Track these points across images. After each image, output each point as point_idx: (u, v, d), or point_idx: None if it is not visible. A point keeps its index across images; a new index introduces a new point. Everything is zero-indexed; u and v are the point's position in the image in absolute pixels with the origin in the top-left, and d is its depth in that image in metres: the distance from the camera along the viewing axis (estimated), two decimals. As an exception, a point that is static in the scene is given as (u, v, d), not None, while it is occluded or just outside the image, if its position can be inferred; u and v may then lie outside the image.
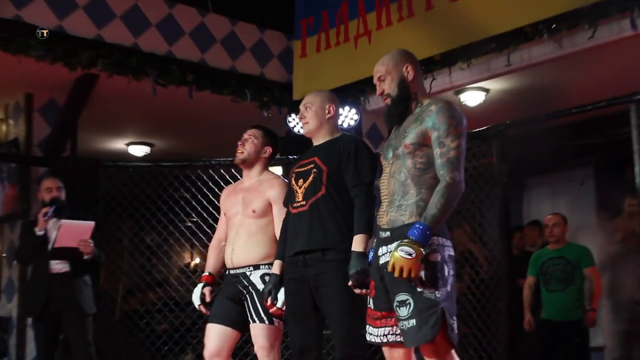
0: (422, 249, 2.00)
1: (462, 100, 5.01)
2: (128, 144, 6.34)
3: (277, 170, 4.22)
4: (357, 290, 2.33)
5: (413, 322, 2.02)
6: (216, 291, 2.92)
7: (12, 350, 4.56)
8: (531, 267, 4.36)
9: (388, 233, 2.15)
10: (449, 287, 2.07)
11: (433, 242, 2.06)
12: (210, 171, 4.28)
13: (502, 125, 3.82)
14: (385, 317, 2.16)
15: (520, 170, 5.45)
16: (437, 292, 2.03)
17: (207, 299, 2.88)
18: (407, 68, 2.25)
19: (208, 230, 3.98)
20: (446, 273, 2.06)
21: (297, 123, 4.93)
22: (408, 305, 2.04)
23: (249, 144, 2.91)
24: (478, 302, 4.01)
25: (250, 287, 2.78)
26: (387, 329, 2.16)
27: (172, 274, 4.88)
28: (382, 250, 2.16)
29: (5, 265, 4.89)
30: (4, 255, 4.92)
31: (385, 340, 2.17)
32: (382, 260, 2.16)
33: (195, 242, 4.57)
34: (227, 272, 2.90)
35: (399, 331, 2.11)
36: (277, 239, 2.74)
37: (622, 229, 4.84)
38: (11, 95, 5.00)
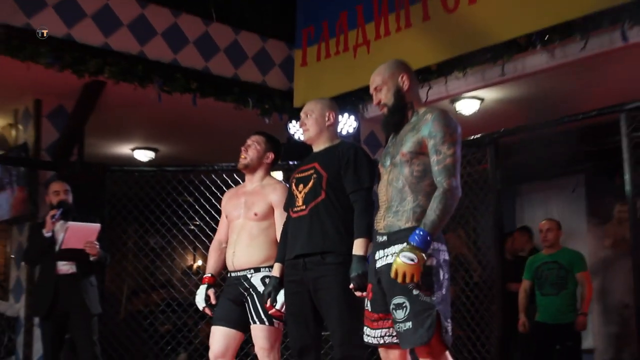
0: (424, 254, 2.03)
1: (457, 108, 5.06)
2: (133, 149, 6.41)
3: (278, 175, 4.30)
4: (358, 293, 2.36)
5: (409, 324, 2.06)
6: (218, 293, 2.96)
7: (20, 350, 4.62)
8: (526, 271, 4.43)
9: (385, 237, 2.20)
10: (444, 291, 2.11)
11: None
12: (213, 176, 4.35)
13: (496, 133, 3.88)
14: (382, 319, 2.20)
15: (513, 177, 5.50)
16: (432, 295, 2.07)
17: (213, 301, 2.92)
18: (402, 78, 2.30)
19: (210, 233, 4.02)
20: (441, 277, 2.10)
21: (298, 130, 5.01)
22: (404, 308, 2.07)
23: (251, 149, 2.97)
24: (472, 305, 4.06)
25: (251, 289, 2.83)
26: (384, 330, 2.20)
27: (175, 276, 4.95)
28: (379, 254, 2.22)
29: (13, 266, 4.95)
30: (13, 256, 4.98)
31: (381, 341, 2.22)
32: (379, 264, 2.21)
33: (198, 244, 4.63)
34: (228, 275, 2.94)
35: (395, 333, 2.15)
36: (278, 242, 2.80)
37: (612, 235, 4.89)
38: (21, 101, 5.08)
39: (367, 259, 2.38)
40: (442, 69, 4.51)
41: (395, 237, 2.16)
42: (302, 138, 2.84)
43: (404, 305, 2.08)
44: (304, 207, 2.59)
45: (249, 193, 2.96)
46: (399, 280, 2.03)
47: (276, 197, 2.89)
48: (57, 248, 3.56)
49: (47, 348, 3.69)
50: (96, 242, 3.59)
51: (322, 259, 2.51)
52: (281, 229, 2.77)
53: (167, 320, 4.75)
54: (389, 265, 2.16)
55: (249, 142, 3.01)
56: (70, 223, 3.55)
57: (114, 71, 4.50)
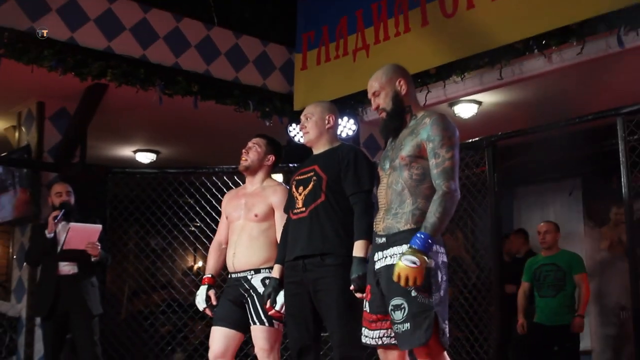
0: (426, 257, 2.05)
1: (455, 112, 5.10)
2: (135, 151, 6.44)
3: (278, 177, 4.32)
4: (358, 295, 2.37)
5: (407, 325, 2.08)
6: (218, 294, 2.98)
7: (21, 350, 4.64)
8: (525, 273, 4.45)
9: (384, 239, 2.22)
10: (442, 293, 2.12)
11: None
12: (214, 178, 4.38)
13: (494, 136, 3.91)
14: (381, 320, 2.22)
15: (511, 179, 5.54)
16: (430, 297, 2.08)
17: (214, 302, 2.93)
18: (400, 82, 2.32)
19: (211, 234, 4.03)
20: (439, 279, 2.11)
21: (298, 132, 5.03)
22: (402, 309, 2.08)
23: (252, 151, 2.99)
24: (470, 306, 4.09)
25: (251, 290, 2.85)
26: (382, 331, 2.22)
27: (175, 277, 4.98)
28: (378, 255, 2.24)
29: (15, 266, 4.97)
30: (15, 257, 5.00)
31: (380, 342, 2.23)
32: (377, 265, 2.23)
33: (199, 246, 4.66)
34: (229, 276, 2.96)
35: (393, 334, 2.16)
36: (278, 243, 2.81)
37: (608, 237, 4.92)
38: (24, 104, 5.12)
39: (367, 261, 2.38)
40: (441, 72, 4.54)
41: (394, 239, 2.19)
42: (302, 141, 2.85)
43: (402, 306, 2.09)
44: (303, 209, 2.60)
45: (250, 194, 2.98)
46: (402, 283, 2.04)
47: (276, 199, 2.91)
48: (59, 249, 3.58)
49: (48, 348, 3.71)
50: (97, 243, 3.61)
51: (321, 261, 2.52)
52: (281, 230, 2.78)
53: (168, 321, 4.77)
54: (388, 266, 2.18)
55: (250, 144, 3.03)
56: (72, 224, 3.57)
57: (116, 74, 4.52)
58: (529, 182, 6.00)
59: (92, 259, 3.63)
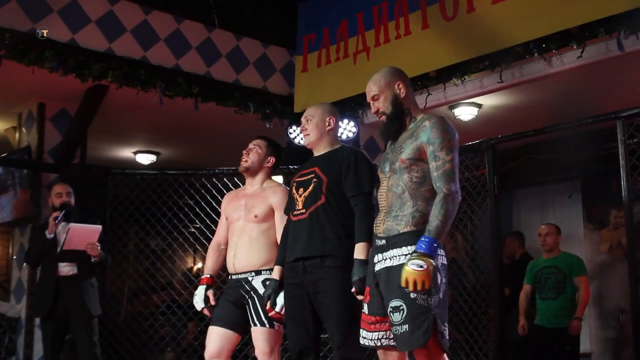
0: (432, 261, 2.05)
1: (456, 114, 5.11)
2: (135, 152, 6.44)
3: (279, 179, 4.33)
4: (359, 297, 2.37)
5: (406, 327, 2.08)
6: (218, 294, 2.99)
7: (20, 350, 4.64)
8: (527, 275, 4.47)
9: (384, 241, 2.23)
10: (441, 295, 2.12)
11: None
12: (214, 179, 4.39)
13: (494, 139, 3.92)
14: (380, 322, 2.22)
15: (511, 182, 5.55)
16: (429, 299, 2.08)
17: (212, 302, 2.94)
18: (398, 85, 2.33)
19: (210, 236, 4.04)
20: (439, 281, 2.11)
21: (298, 134, 5.04)
22: (401, 311, 2.09)
23: (253, 153, 3.00)
24: (470, 308, 4.10)
25: (252, 292, 2.85)
26: (381, 333, 2.22)
27: (175, 278, 4.98)
28: (378, 257, 2.25)
29: (15, 267, 4.97)
30: (14, 257, 5.00)
31: (379, 344, 2.24)
32: (377, 267, 2.24)
33: (198, 247, 4.68)
34: (229, 277, 2.96)
35: (392, 335, 2.17)
36: (278, 244, 2.81)
37: (608, 240, 4.94)
38: (25, 105, 5.12)
39: (368, 263, 2.40)
40: (441, 75, 4.55)
41: (394, 241, 2.20)
42: (302, 142, 2.87)
43: (401, 308, 2.10)
44: (303, 210, 2.61)
45: (249, 195, 2.99)
46: (410, 288, 2.04)
47: (276, 199, 2.92)
48: (58, 249, 3.58)
49: (48, 349, 3.71)
50: (97, 244, 3.62)
51: (321, 262, 2.52)
52: (281, 231, 2.79)
53: (167, 322, 4.77)
54: (388, 268, 2.19)
55: (250, 145, 3.05)
56: (72, 224, 3.58)
57: (117, 75, 4.53)
58: (529, 185, 6.02)
59: (92, 260, 3.64)
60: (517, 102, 5.03)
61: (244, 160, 3.01)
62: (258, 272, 2.87)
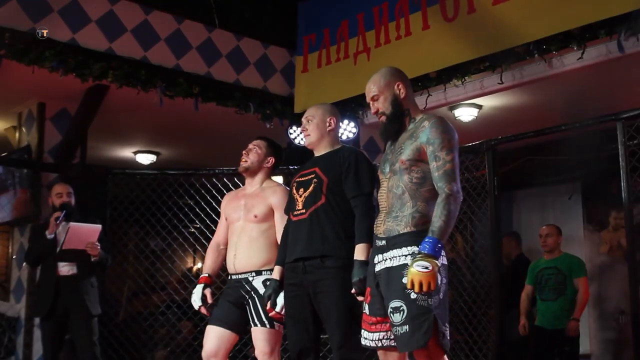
0: (437, 261, 2.05)
1: (456, 115, 5.12)
2: (135, 152, 6.45)
3: (279, 179, 4.33)
4: (360, 298, 2.38)
5: (406, 328, 2.08)
6: (218, 294, 2.99)
7: (20, 350, 4.64)
8: (529, 275, 4.48)
9: (384, 242, 2.24)
10: (441, 295, 2.13)
11: None
12: (214, 179, 4.40)
13: (494, 140, 3.92)
14: (380, 323, 2.23)
15: (511, 183, 5.55)
16: (430, 299, 2.09)
17: (209, 300, 2.94)
18: (398, 86, 2.33)
19: (210, 236, 4.03)
20: (439, 281, 2.10)
21: (298, 135, 5.05)
22: (402, 312, 2.09)
23: (253, 153, 3.01)
24: (470, 309, 4.11)
25: (252, 292, 2.86)
26: (382, 333, 2.23)
27: (174, 277, 4.98)
28: (378, 258, 2.25)
29: (15, 267, 4.97)
30: (14, 257, 5.00)
31: (379, 344, 2.24)
32: (377, 268, 2.24)
33: (198, 247, 4.68)
34: (229, 277, 2.96)
35: (393, 336, 2.17)
36: (278, 244, 2.82)
37: (608, 242, 4.95)
38: (25, 104, 5.12)
39: (368, 264, 2.40)
40: (441, 76, 4.56)
41: (394, 241, 2.20)
42: (302, 143, 2.88)
43: (401, 308, 2.10)
44: (304, 210, 2.61)
45: (249, 195, 3.00)
46: (416, 289, 2.04)
47: (276, 199, 2.93)
48: (58, 249, 3.58)
49: (47, 348, 3.71)
50: (97, 243, 3.62)
51: (321, 263, 2.53)
52: (281, 231, 2.79)
53: (167, 322, 4.77)
54: (388, 269, 2.20)
55: (250, 146, 3.05)
56: (72, 223, 3.58)
57: (117, 75, 4.54)
58: (529, 186, 6.03)
59: (92, 259, 3.64)
60: (518, 103, 5.03)
61: (243, 160, 3.02)
62: (258, 273, 2.88)
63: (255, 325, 2.83)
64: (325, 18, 5.21)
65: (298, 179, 2.72)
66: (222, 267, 3.06)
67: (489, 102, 5.04)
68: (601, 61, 4.07)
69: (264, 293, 2.77)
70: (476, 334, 4.06)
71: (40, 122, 4.98)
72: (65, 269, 3.66)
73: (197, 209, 4.43)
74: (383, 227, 2.25)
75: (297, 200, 2.65)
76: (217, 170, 4.45)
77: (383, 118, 2.34)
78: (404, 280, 2.12)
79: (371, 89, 2.36)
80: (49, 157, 4.96)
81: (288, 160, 4.22)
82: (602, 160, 4.46)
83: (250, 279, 2.88)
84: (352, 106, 5.12)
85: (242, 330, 2.90)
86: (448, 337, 2.14)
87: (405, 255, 2.17)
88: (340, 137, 4.46)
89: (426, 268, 2.03)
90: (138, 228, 4.60)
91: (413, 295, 2.08)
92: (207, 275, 3.03)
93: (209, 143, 6.07)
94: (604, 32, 3.85)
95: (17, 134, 5.29)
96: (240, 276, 2.91)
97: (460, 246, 4.73)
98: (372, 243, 2.39)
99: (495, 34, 4.15)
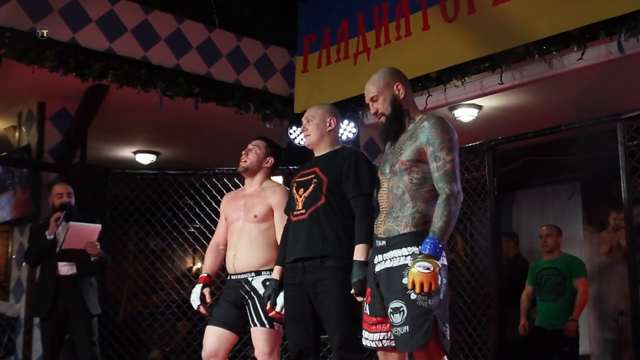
0: (438, 262, 2.05)
1: (456, 116, 5.12)
2: (135, 152, 6.44)
3: (278, 179, 4.34)
4: (359, 298, 2.38)
5: (406, 328, 2.08)
6: (217, 294, 3.00)
7: (19, 350, 4.64)
8: (529, 276, 4.49)
9: (384, 242, 2.24)
10: (441, 295, 2.12)
11: None
12: (214, 179, 4.40)
13: (494, 140, 3.92)
14: (381, 323, 2.23)
15: (511, 183, 5.56)
16: (430, 299, 2.08)
17: (208, 300, 2.95)
18: (397, 86, 2.33)
19: (210, 236, 3.99)
20: (439, 282, 2.09)
21: (298, 135, 5.05)
22: (402, 312, 2.09)
23: (252, 153, 3.02)
24: (469, 309, 4.11)
25: (252, 292, 2.86)
26: (382, 334, 2.23)
27: (172, 277, 4.98)
28: (378, 258, 2.25)
29: (14, 266, 4.97)
30: (14, 257, 5.00)
31: (380, 345, 2.24)
32: (377, 268, 2.24)
33: (198, 247, 4.68)
34: (229, 277, 2.97)
35: (393, 336, 2.17)
36: (278, 244, 2.82)
37: (608, 242, 4.95)
38: (25, 104, 5.12)
39: (368, 264, 2.40)
40: (442, 76, 4.56)
41: (394, 242, 2.20)
42: (302, 143, 2.88)
43: (401, 309, 2.10)
44: (303, 211, 2.61)
45: (249, 196, 3.00)
46: (417, 290, 2.04)
47: (276, 199, 2.93)
48: (58, 248, 3.58)
49: (47, 348, 3.71)
50: (97, 242, 3.62)
51: (321, 263, 2.53)
52: (281, 231, 2.80)
53: (167, 322, 4.77)
54: (388, 269, 2.20)
55: (249, 146, 3.06)
56: (72, 223, 3.58)
57: (117, 75, 4.53)
58: (529, 186, 6.03)
59: (92, 259, 3.63)
60: (518, 104, 5.03)
61: (243, 160, 3.02)
62: (258, 273, 2.88)
63: (255, 325, 2.84)
64: (325, 18, 5.21)
65: (298, 179, 2.72)
66: (222, 267, 3.06)
67: (489, 102, 5.03)
68: (601, 62, 4.06)
69: (263, 293, 2.77)
70: (476, 335, 4.05)
71: (40, 122, 4.98)
72: (65, 268, 3.66)
73: (197, 209, 4.43)
74: (383, 227, 2.25)
75: (297, 201, 2.65)
76: (217, 170, 4.45)
77: (383, 119, 2.34)
78: (405, 280, 2.12)
79: (370, 90, 2.36)
80: (49, 157, 4.96)
81: (288, 160, 4.22)
82: (602, 160, 4.46)
83: (250, 279, 2.88)
84: (352, 106, 5.11)
85: (241, 330, 2.90)
86: (448, 338, 2.14)
87: (406, 256, 2.17)
88: (340, 137, 4.46)
89: (427, 269, 2.03)
90: (138, 228, 4.60)
91: (413, 296, 2.08)
92: (206, 275, 3.03)
93: (209, 143, 6.07)
94: (604, 33, 3.85)
95: (17, 134, 5.29)
96: (239, 276, 2.91)
97: (460, 247, 4.73)
98: (371, 243, 2.39)
99: (495, 34, 4.16)
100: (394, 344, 2.19)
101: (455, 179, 2.17)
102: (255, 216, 2.93)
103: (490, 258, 3.96)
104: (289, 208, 2.73)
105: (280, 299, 2.66)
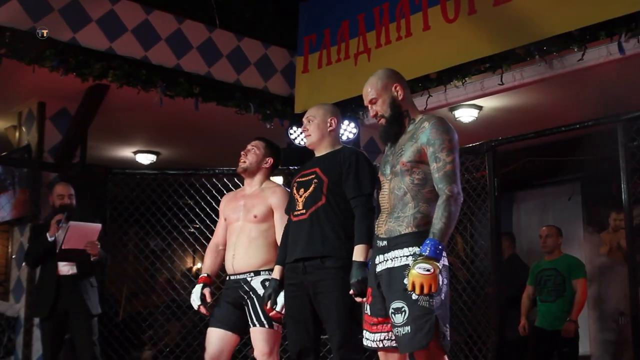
0: (438, 263, 2.05)
1: (456, 116, 5.12)
2: (135, 152, 6.45)
3: (279, 180, 4.34)
4: (358, 299, 2.39)
5: (408, 328, 2.08)
6: (217, 294, 3.00)
7: (19, 350, 4.64)
8: (530, 276, 4.49)
9: (385, 242, 2.23)
10: (442, 296, 2.12)
11: None
12: (214, 179, 4.39)
13: (494, 141, 3.92)
14: (382, 323, 2.23)
15: (511, 184, 5.56)
16: (431, 300, 2.08)
17: (208, 300, 2.95)
18: (396, 88, 2.32)
19: (210, 236, 3.99)
20: (440, 282, 2.09)
21: (299, 135, 5.05)
22: (403, 313, 2.09)
23: (251, 154, 3.02)
24: (469, 310, 4.11)
25: (251, 292, 2.86)
26: (383, 334, 2.23)
27: (174, 278, 4.98)
28: (379, 258, 2.25)
29: (14, 266, 4.97)
30: (14, 257, 5.00)
31: (381, 345, 2.24)
32: (379, 268, 2.24)
33: (198, 247, 4.68)
34: (228, 278, 2.97)
35: (394, 337, 2.17)
36: (278, 244, 2.83)
37: (608, 243, 4.96)
38: (25, 104, 5.12)
39: (367, 265, 2.40)
40: (442, 77, 4.56)
41: (395, 242, 2.20)
42: (302, 143, 2.89)
43: (402, 309, 2.10)
44: (304, 211, 2.62)
45: (248, 196, 3.00)
46: (417, 291, 2.04)
47: (276, 200, 2.93)
48: (58, 248, 3.58)
49: (47, 348, 3.70)
50: (97, 242, 3.61)
51: (321, 263, 2.54)
52: (281, 231, 2.80)
53: (166, 322, 4.77)
54: (389, 269, 2.20)
55: (249, 147, 3.06)
56: (72, 222, 3.58)
57: (117, 75, 4.53)
58: (529, 187, 6.02)
59: (92, 259, 3.63)
60: (518, 104, 5.04)
61: (242, 161, 3.03)
62: (257, 273, 2.88)
63: (254, 325, 2.84)
64: (325, 18, 5.21)
65: (298, 179, 2.72)
66: (223, 268, 3.06)
67: (489, 103, 5.04)
68: (601, 62, 4.06)
69: (263, 293, 2.77)
70: (476, 335, 4.06)
71: (40, 122, 4.98)
72: (65, 268, 3.65)
73: (197, 209, 4.43)
74: (385, 227, 2.25)
75: (298, 201, 2.65)
76: (217, 170, 4.44)
77: (382, 121, 2.34)
78: (405, 281, 2.12)
79: (369, 93, 2.36)
80: (49, 156, 4.95)
81: (288, 160, 4.23)
82: (602, 161, 4.46)
83: (249, 279, 2.88)
84: (353, 107, 5.11)
85: (242, 330, 2.90)
86: (448, 338, 2.14)
87: (407, 256, 2.17)
88: (341, 137, 4.46)
89: (428, 270, 2.03)
90: (138, 228, 4.59)
91: (415, 296, 2.08)
92: (206, 275, 3.03)
93: (209, 143, 6.07)
94: (605, 34, 3.85)
95: (17, 134, 5.29)
96: (238, 276, 2.91)
97: (460, 247, 4.73)
98: (371, 244, 2.39)
99: (496, 35, 4.15)
100: (394, 344, 2.19)
101: (456, 180, 2.17)
102: (255, 216, 2.93)
103: (491, 258, 3.96)
104: (290, 208, 2.73)
105: (281, 299, 2.66)
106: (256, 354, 2.85)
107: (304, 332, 2.58)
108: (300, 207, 2.63)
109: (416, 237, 2.17)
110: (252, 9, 5.35)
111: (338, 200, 2.57)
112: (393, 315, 2.13)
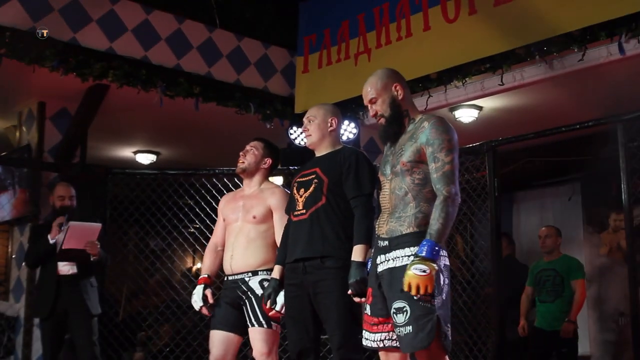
0: (434, 265, 2.05)
1: (456, 116, 5.12)
2: (135, 152, 6.45)
3: (278, 180, 4.35)
4: (356, 299, 2.40)
5: (409, 328, 2.08)
6: (217, 295, 2.98)
7: (19, 350, 4.64)
8: (529, 276, 4.49)
9: (386, 242, 2.23)
10: (444, 296, 2.12)
11: None
12: (214, 179, 4.39)
13: (495, 141, 3.92)
14: (382, 323, 2.22)
15: (511, 184, 5.57)
16: (433, 300, 2.07)
17: (210, 300, 2.94)
18: (395, 87, 2.32)
19: (210, 236, 3.99)
20: (442, 282, 2.10)
21: (299, 135, 5.05)
22: (405, 313, 2.09)
23: (249, 154, 3.02)
24: (469, 310, 4.11)
25: (249, 292, 2.86)
26: (384, 334, 2.22)
27: (174, 278, 4.98)
28: (380, 258, 2.25)
29: (14, 266, 4.97)
30: (14, 256, 5.00)
31: (381, 345, 2.23)
32: (380, 268, 2.24)
33: (198, 247, 4.68)
34: (226, 278, 2.97)
35: (395, 336, 2.17)
36: (277, 245, 2.83)
37: (608, 243, 4.95)
38: (25, 103, 5.13)
39: (366, 265, 2.40)
40: (442, 77, 4.57)
41: (397, 242, 2.20)
42: (303, 143, 2.89)
43: (404, 309, 2.10)
44: (304, 211, 2.62)
45: (248, 197, 3.00)
46: (413, 292, 2.04)
47: (275, 201, 2.93)
48: (58, 248, 3.57)
49: (47, 348, 3.70)
50: (97, 242, 3.61)
51: (321, 263, 2.54)
52: (281, 232, 2.80)
53: (166, 322, 4.77)
54: (391, 269, 2.20)
55: (247, 147, 3.06)
56: (72, 222, 3.57)
57: (117, 75, 4.54)
58: (529, 187, 6.02)
59: (92, 259, 3.62)
60: (518, 105, 5.04)
61: (240, 161, 3.03)
62: (255, 273, 2.88)
63: (253, 325, 2.84)
64: (326, 18, 5.22)
65: (299, 179, 2.72)
66: (222, 268, 3.05)
67: (489, 103, 5.04)
68: (602, 63, 4.06)
69: (263, 292, 2.77)
70: (476, 335, 4.06)
71: (41, 122, 4.98)
72: (65, 268, 3.65)
73: (197, 209, 4.42)
74: (386, 227, 2.25)
75: (298, 201, 2.65)
76: (217, 170, 4.44)
77: (382, 120, 2.34)
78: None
79: (368, 92, 2.35)
80: (49, 156, 4.96)
81: (289, 161, 4.23)
82: (602, 161, 4.46)
83: (247, 279, 2.88)
84: (353, 107, 5.12)
85: (243, 331, 2.90)
86: (450, 338, 2.14)
87: (408, 256, 2.17)
88: (341, 137, 4.46)
89: (424, 272, 2.03)
90: (138, 228, 4.59)
91: (416, 296, 2.07)
92: (206, 275, 3.02)
93: (209, 143, 6.07)
94: (605, 34, 3.85)
95: (17, 133, 5.29)
96: (236, 277, 2.91)
97: (460, 247, 4.73)
98: (370, 244, 2.38)
99: (496, 35, 4.16)
100: (395, 344, 2.19)
101: (454, 181, 2.17)
102: (254, 217, 2.93)
103: (491, 259, 3.96)
104: (290, 208, 2.73)
105: (281, 298, 2.66)
106: (255, 354, 2.85)
107: (304, 332, 2.58)
108: (301, 207, 2.63)
109: (417, 237, 2.17)
110: (252, 9, 5.36)
111: (338, 201, 2.57)
112: (395, 315, 2.13)
